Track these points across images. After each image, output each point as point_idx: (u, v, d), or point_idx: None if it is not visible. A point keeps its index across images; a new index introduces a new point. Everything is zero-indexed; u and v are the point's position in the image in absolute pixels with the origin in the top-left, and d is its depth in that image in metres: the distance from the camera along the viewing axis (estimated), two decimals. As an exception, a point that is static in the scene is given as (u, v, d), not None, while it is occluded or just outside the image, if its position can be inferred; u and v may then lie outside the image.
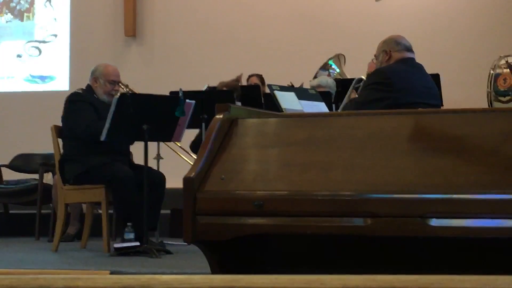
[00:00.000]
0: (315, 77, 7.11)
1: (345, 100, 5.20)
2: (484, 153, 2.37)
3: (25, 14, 9.86)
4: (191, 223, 2.49)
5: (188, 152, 7.08)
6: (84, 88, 5.73)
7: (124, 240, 5.15)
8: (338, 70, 7.32)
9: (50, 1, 9.79)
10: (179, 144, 7.08)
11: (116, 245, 5.17)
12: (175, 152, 7.00)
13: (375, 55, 4.85)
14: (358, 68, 7.02)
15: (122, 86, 6.00)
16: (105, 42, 9.55)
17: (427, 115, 2.66)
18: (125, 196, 5.32)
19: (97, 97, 5.63)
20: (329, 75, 7.25)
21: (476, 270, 2.50)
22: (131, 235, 5.15)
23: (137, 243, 5.08)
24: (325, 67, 7.34)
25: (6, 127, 9.47)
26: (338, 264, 2.76)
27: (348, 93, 5.21)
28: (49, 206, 7.05)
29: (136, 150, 6.02)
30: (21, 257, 5.19)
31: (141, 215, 5.29)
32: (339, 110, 5.26)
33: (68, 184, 5.52)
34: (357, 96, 5.00)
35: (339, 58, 7.38)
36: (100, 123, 5.22)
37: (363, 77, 5.07)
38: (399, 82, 4.48)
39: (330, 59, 7.39)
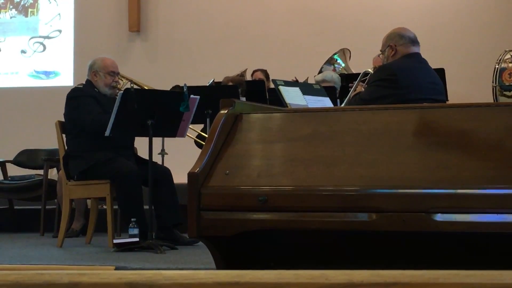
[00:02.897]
0: (320, 71, 7.10)
1: (351, 93, 5.19)
2: (489, 148, 2.37)
3: (30, 10, 9.87)
4: (196, 219, 2.50)
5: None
6: (84, 83, 5.75)
7: (130, 236, 5.16)
8: (343, 65, 7.31)
9: (54, -3, 9.80)
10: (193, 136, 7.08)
11: (115, 241, 5.18)
12: (192, 138, 6.98)
13: (381, 50, 4.84)
14: (363, 63, 7.01)
15: (123, 79, 6.01)
16: (109, 38, 9.55)
17: (431, 110, 2.65)
18: (129, 192, 5.33)
19: (98, 91, 5.63)
20: (334, 69, 7.24)
21: (481, 265, 2.50)
22: (135, 231, 5.16)
23: (136, 239, 5.09)
24: (330, 61, 7.34)
25: (10, 122, 9.48)
26: (343, 259, 2.76)
27: (354, 86, 5.20)
28: (53, 202, 7.06)
29: (141, 146, 6.03)
30: (26, 252, 5.20)
31: (144, 211, 5.32)
32: (343, 104, 5.24)
33: (73, 180, 5.52)
34: (363, 89, 5.00)
35: (344, 53, 7.38)
36: (106, 116, 5.22)
37: (370, 70, 5.06)
38: (404, 79, 4.48)
39: (335, 53, 7.38)
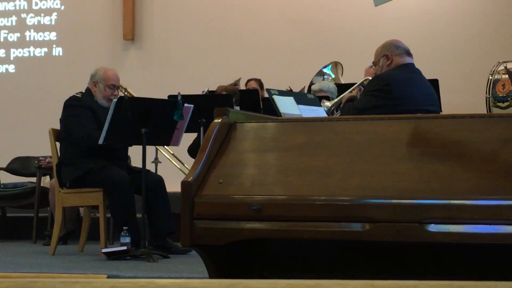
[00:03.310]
0: (311, 83, 7.10)
1: (346, 93, 5.21)
2: (482, 159, 2.37)
3: (22, 16, 9.87)
4: (189, 227, 2.49)
5: (178, 159, 7.14)
6: (83, 91, 5.70)
7: (121, 245, 5.14)
8: (333, 76, 7.30)
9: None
10: (171, 151, 7.11)
11: (104, 250, 5.16)
12: (169, 159, 7.05)
13: (373, 62, 4.85)
14: (355, 74, 7.02)
15: (124, 91, 5.98)
16: (103, 46, 9.55)
17: (425, 120, 2.66)
18: (122, 200, 5.31)
19: (96, 101, 5.59)
20: (323, 80, 7.23)
21: (474, 276, 2.50)
22: (127, 239, 5.15)
23: (125, 248, 5.07)
24: (321, 73, 7.33)
25: (3, 130, 9.45)
26: (337, 269, 2.76)
27: (352, 88, 5.21)
28: (46, 210, 7.05)
29: (134, 154, 6.02)
30: (18, 260, 5.18)
31: (136, 219, 5.32)
32: (344, 95, 5.23)
33: (65, 188, 5.51)
34: (358, 96, 5.02)
35: (336, 66, 7.38)
36: (98, 133, 5.18)
37: (370, 78, 5.08)
38: (398, 90, 4.49)
39: (326, 66, 7.38)
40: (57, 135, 5.62)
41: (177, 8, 9.44)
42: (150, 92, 6.53)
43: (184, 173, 6.40)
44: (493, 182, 2.29)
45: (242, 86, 7.69)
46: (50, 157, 6.35)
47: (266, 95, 5.92)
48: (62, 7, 9.74)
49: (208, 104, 5.62)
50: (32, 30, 9.79)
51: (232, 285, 1.24)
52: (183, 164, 7.10)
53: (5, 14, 9.84)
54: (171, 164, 7.27)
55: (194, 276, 4.10)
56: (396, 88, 4.49)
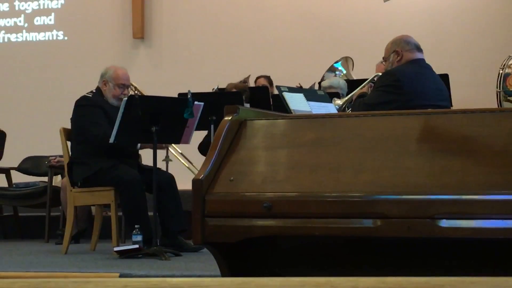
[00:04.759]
0: (322, 79, 7.10)
1: (357, 90, 5.20)
2: (493, 154, 2.37)
3: (35, 18, 9.90)
4: (200, 225, 2.49)
5: (186, 158, 7.14)
6: (94, 91, 5.71)
7: (133, 243, 5.16)
8: (344, 72, 7.30)
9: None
10: (179, 150, 7.11)
11: (116, 249, 5.17)
12: (178, 158, 7.05)
13: (383, 58, 4.84)
14: (367, 69, 7.01)
15: (132, 88, 5.99)
16: (113, 44, 9.57)
17: (436, 115, 2.65)
18: (133, 199, 5.32)
19: (107, 100, 5.60)
20: (335, 76, 7.23)
21: (486, 271, 2.50)
22: (139, 238, 5.16)
23: (136, 246, 5.08)
24: (332, 69, 7.33)
25: (15, 130, 9.48)
26: (348, 266, 2.76)
27: (361, 87, 5.20)
28: (58, 209, 7.07)
29: (145, 153, 6.03)
30: (31, 259, 5.20)
31: (148, 218, 5.33)
32: (354, 92, 5.22)
33: (76, 187, 5.52)
34: (369, 92, 5.01)
35: (346, 61, 7.37)
36: (110, 133, 5.19)
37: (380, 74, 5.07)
38: (408, 85, 4.48)
39: (337, 61, 7.37)
40: (68, 134, 5.64)
41: (187, 6, 9.45)
42: (160, 91, 6.55)
43: (194, 172, 6.41)
44: (505, 176, 2.28)
45: (252, 83, 7.69)
46: (61, 156, 6.37)
47: (276, 92, 5.92)
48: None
49: (218, 102, 5.62)
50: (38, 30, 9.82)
51: (244, 283, 1.24)
52: (191, 164, 7.10)
53: (15, 14, 9.87)
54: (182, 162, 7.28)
55: (206, 273, 4.11)
56: (406, 84, 4.48)
